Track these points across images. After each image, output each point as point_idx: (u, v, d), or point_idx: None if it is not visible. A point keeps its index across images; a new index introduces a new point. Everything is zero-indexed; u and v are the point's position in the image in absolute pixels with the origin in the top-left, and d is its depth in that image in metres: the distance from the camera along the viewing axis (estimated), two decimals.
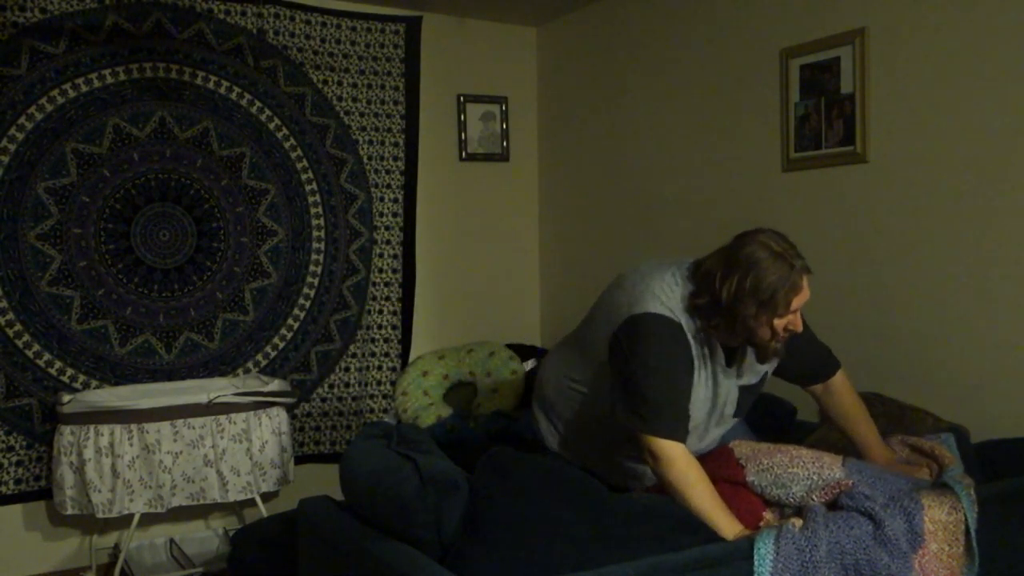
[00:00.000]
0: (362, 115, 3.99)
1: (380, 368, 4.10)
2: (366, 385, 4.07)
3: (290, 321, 3.87)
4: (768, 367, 2.19)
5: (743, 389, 2.18)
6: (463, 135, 4.32)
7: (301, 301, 3.89)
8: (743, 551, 1.80)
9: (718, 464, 2.16)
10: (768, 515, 2.03)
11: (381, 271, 4.08)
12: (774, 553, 1.78)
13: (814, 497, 2.02)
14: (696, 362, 2.06)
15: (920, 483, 2.09)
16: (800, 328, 2.03)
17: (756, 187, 3.27)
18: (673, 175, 3.68)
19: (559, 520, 1.75)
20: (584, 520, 1.76)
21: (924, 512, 1.93)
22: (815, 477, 2.04)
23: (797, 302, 1.98)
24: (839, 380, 2.29)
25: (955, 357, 2.43)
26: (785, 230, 3.17)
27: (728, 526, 1.91)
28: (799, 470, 2.06)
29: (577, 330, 2.32)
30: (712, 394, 2.13)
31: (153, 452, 3.15)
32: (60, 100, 3.39)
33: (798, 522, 1.90)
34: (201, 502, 3.25)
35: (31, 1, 3.30)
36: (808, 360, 2.28)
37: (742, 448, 2.16)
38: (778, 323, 1.98)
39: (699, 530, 1.88)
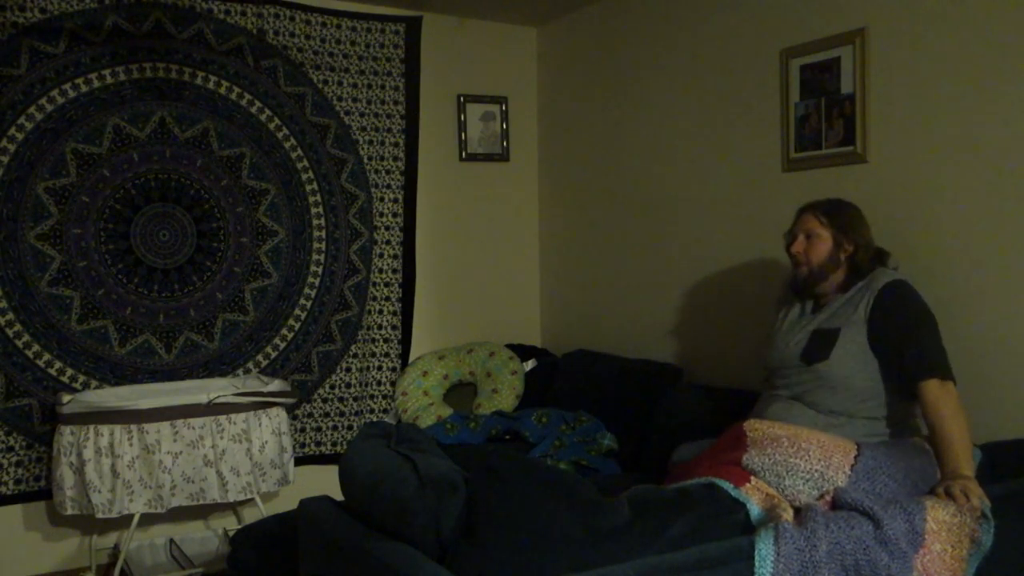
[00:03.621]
0: (362, 115, 3.99)
1: (380, 368, 4.10)
2: (366, 385, 4.07)
3: (291, 322, 3.87)
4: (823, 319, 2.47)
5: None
6: (463, 135, 4.32)
7: (302, 301, 3.89)
8: (743, 551, 1.80)
9: (727, 445, 2.17)
10: (755, 481, 2.03)
11: (381, 271, 4.08)
12: (774, 553, 1.78)
13: (806, 497, 2.02)
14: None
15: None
16: (793, 248, 2.54)
17: (756, 187, 3.27)
18: (673, 175, 3.68)
19: (554, 520, 1.75)
20: (579, 520, 1.76)
21: (927, 512, 1.93)
22: (816, 475, 2.04)
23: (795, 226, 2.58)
24: (926, 395, 2.25)
25: (953, 357, 2.42)
26: (785, 230, 3.18)
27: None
28: (800, 462, 2.06)
29: None
30: None
31: (153, 452, 3.15)
32: (60, 100, 3.39)
33: (787, 514, 1.90)
34: (201, 502, 3.25)
35: (31, 1, 3.30)
36: (895, 356, 2.33)
37: (755, 431, 2.18)
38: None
39: (691, 524, 1.88)
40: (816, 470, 2.05)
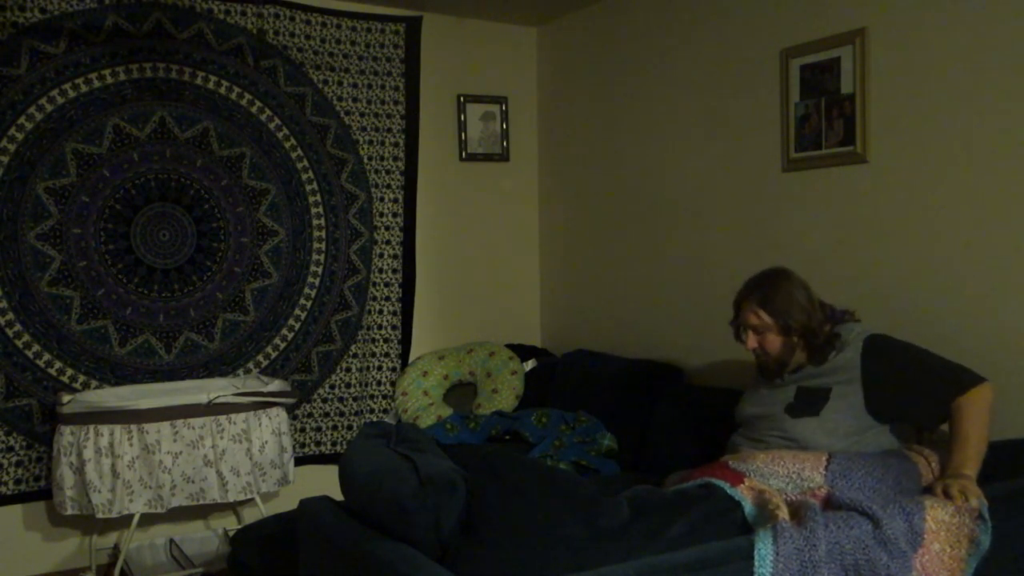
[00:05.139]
0: (362, 115, 3.99)
1: (380, 368, 4.10)
2: (366, 385, 4.07)
3: (291, 322, 3.87)
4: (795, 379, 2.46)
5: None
6: (463, 135, 4.32)
7: (302, 301, 3.89)
8: (743, 551, 1.80)
9: (712, 469, 2.19)
10: (749, 481, 2.05)
11: (381, 271, 4.08)
12: (774, 553, 1.79)
13: (794, 496, 2.04)
14: None
15: (912, 486, 2.10)
16: (747, 346, 2.47)
17: (756, 187, 3.27)
18: (673, 175, 3.68)
19: (554, 520, 1.75)
20: (578, 520, 1.76)
21: (926, 512, 1.94)
22: (794, 476, 2.07)
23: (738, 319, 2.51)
24: (956, 407, 2.22)
25: (955, 358, 2.43)
26: (785, 230, 3.19)
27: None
28: (779, 468, 2.11)
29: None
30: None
31: (153, 452, 3.16)
32: (60, 100, 3.39)
33: (783, 512, 1.90)
34: (201, 502, 3.25)
35: (31, 1, 3.30)
36: (910, 406, 2.29)
37: (733, 458, 2.22)
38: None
39: (690, 523, 1.88)
40: (793, 471, 2.10)
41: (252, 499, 3.47)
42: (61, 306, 3.42)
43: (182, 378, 3.63)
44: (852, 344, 2.37)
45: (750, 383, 2.67)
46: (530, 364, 4.13)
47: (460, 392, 4.11)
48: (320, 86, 3.89)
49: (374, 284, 4.06)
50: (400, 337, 4.14)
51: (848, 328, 2.43)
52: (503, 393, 3.92)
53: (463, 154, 4.33)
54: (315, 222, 3.90)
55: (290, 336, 3.87)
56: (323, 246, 3.92)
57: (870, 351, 2.34)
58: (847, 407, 2.31)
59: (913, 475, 2.14)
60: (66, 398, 3.19)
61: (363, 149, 4.01)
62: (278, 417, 3.41)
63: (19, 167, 3.34)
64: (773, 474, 2.10)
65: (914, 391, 2.27)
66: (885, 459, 2.17)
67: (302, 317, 3.89)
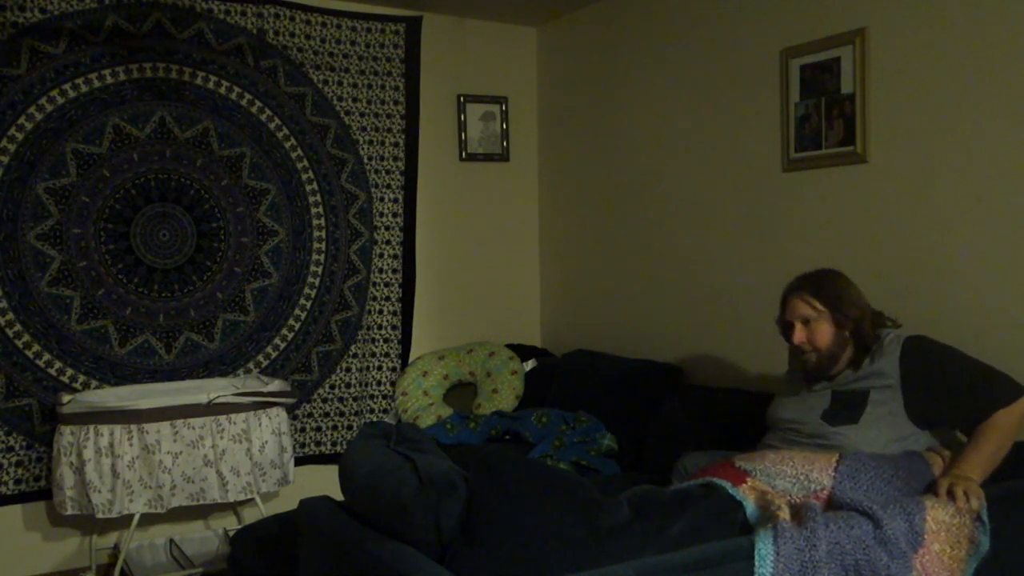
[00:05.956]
0: (362, 115, 3.99)
1: (380, 368, 4.10)
2: (366, 385, 4.07)
3: (291, 322, 3.87)
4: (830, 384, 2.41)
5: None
6: (463, 135, 4.32)
7: (302, 301, 3.89)
8: (743, 551, 1.80)
9: (718, 469, 2.18)
10: (751, 481, 2.04)
11: (381, 271, 4.08)
12: (774, 553, 1.78)
13: (799, 497, 2.03)
14: None
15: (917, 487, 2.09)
16: (794, 340, 2.39)
17: (756, 187, 3.27)
18: (673, 175, 3.68)
19: (554, 520, 1.75)
20: (579, 520, 1.76)
21: (927, 512, 1.94)
22: (802, 477, 2.06)
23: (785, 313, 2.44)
24: (994, 419, 2.17)
25: None
26: (785, 230, 3.19)
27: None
28: (787, 467, 2.09)
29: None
30: None
31: (153, 452, 3.16)
32: (60, 100, 3.39)
33: (783, 513, 1.90)
34: (201, 502, 3.25)
35: (31, 1, 3.30)
36: (950, 412, 2.25)
37: (742, 458, 2.20)
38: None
39: (691, 523, 1.88)
40: (801, 473, 2.08)
41: (252, 499, 3.47)
42: (61, 306, 3.42)
43: (182, 378, 3.63)
44: (889, 348, 2.30)
45: (782, 387, 2.62)
46: (530, 364, 4.14)
47: (460, 392, 4.11)
48: (320, 86, 3.89)
49: (374, 284, 4.06)
50: (400, 337, 4.14)
51: (885, 332, 2.36)
52: (503, 393, 3.92)
53: (463, 154, 4.33)
54: (315, 222, 3.90)
55: (290, 336, 3.87)
56: (323, 246, 3.92)
57: (909, 353, 2.28)
58: (887, 413, 2.25)
59: (925, 477, 2.12)
60: (66, 398, 3.19)
61: (363, 149, 4.01)
62: (278, 417, 3.41)
63: (19, 167, 3.34)
64: (780, 474, 2.08)
65: (956, 396, 2.21)
66: (897, 461, 2.15)
67: (302, 317, 3.89)
